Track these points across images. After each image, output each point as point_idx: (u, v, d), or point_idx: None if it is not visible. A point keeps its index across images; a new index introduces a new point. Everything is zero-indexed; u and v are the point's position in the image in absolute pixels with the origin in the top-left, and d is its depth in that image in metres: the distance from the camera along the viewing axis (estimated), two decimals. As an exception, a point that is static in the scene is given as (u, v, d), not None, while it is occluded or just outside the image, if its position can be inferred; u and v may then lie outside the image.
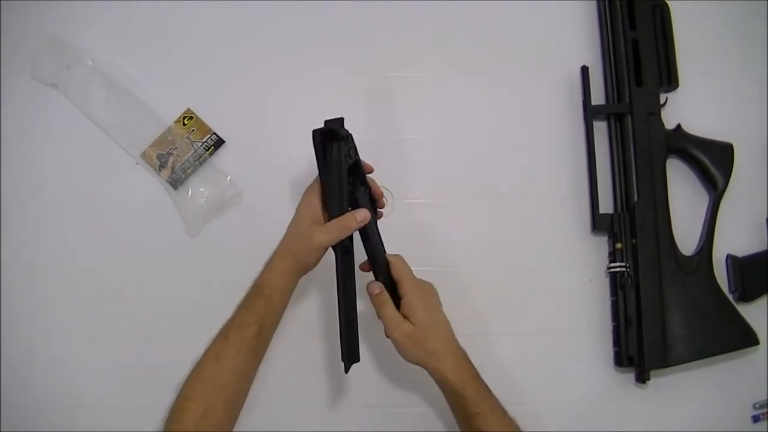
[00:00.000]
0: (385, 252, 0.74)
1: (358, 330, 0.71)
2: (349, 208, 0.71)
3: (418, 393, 0.82)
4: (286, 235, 0.73)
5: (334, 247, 0.70)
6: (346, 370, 0.70)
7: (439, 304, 0.73)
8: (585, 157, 0.87)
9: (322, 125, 0.70)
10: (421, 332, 0.70)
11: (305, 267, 0.72)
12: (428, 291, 0.73)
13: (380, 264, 0.73)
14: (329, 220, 0.70)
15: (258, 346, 0.70)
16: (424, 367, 0.71)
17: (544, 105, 0.89)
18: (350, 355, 0.70)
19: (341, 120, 0.70)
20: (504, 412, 0.71)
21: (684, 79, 0.88)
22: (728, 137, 0.86)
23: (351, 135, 0.71)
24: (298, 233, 0.71)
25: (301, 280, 0.73)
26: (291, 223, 0.73)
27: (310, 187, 0.74)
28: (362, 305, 0.73)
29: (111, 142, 0.87)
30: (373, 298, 0.72)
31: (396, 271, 0.72)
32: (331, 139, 0.70)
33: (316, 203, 0.72)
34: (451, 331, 0.72)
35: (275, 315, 0.72)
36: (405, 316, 0.70)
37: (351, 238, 0.72)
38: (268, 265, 0.72)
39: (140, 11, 0.91)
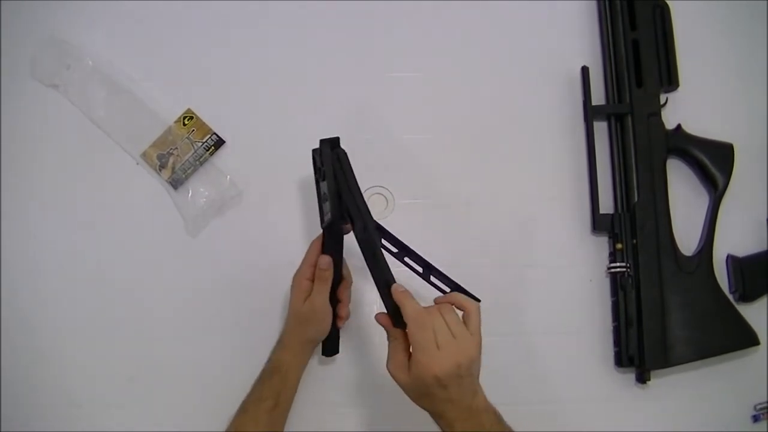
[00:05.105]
0: (392, 277, 0.67)
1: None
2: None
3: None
4: (291, 319, 0.76)
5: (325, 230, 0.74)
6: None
7: (440, 332, 0.62)
8: (585, 157, 0.87)
9: (321, 130, 0.73)
10: (413, 386, 0.63)
11: (318, 339, 0.77)
12: (427, 323, 0.62)
13: (383, 293, 0.67)
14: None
15: (275, 419, 0.74)
16: None
17: (544, 105, 0.89)
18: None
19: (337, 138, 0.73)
20: None
21: (684, 79, 0.88)
22: (728, 137, 0.86)
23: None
24: (302, 316, 0.74)
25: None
26: (291, 310, 0.76)
27: (297, 273, 0.75)
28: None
29: (111, 142, 0.87)
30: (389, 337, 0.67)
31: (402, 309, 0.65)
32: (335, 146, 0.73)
33: (304, 283, 0.74)
34: (461, 367, 0.61)
35: (291, 390, 0.76)
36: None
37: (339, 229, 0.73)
38: (283, 345, 0.76)
39: (141, 11, 0.91)
